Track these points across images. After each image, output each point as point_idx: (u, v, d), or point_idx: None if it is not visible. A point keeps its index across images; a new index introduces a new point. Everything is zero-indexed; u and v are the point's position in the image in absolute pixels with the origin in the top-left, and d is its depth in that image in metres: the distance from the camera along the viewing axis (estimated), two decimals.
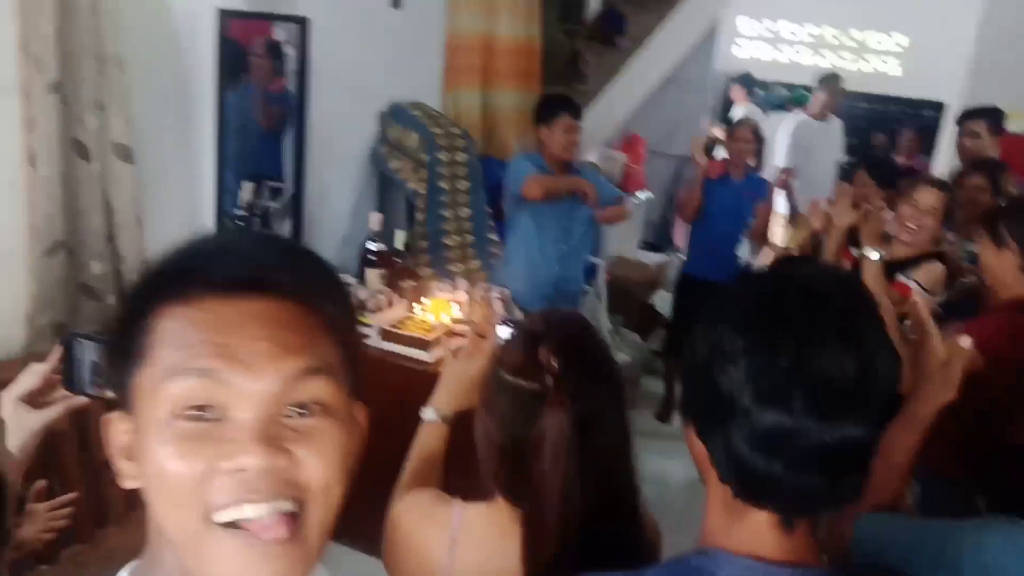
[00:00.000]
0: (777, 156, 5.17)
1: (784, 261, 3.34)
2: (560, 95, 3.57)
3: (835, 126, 5.27)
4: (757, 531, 0.83)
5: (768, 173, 4.89)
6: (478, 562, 1.14)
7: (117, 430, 0.64)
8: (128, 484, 0.63)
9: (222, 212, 2.65)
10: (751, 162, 4.01)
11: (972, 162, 3.28)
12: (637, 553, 1.13)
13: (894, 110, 7.53)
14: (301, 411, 0.61)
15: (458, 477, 1.42)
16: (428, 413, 1.43)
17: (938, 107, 7.50)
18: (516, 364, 1.10)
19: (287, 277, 0.62)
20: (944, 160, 6.69)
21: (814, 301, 0.80)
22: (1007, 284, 2.20)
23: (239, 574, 0.58)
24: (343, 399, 0.64)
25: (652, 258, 5.37)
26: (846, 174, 3.98)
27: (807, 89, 7.51)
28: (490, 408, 1.13)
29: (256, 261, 0.63)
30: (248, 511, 0.58)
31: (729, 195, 3.93)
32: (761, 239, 4.00)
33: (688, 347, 0.86)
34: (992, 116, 3.93)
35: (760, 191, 4.02)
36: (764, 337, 0.78)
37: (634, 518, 1.16)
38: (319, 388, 0.61)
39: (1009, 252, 2.15)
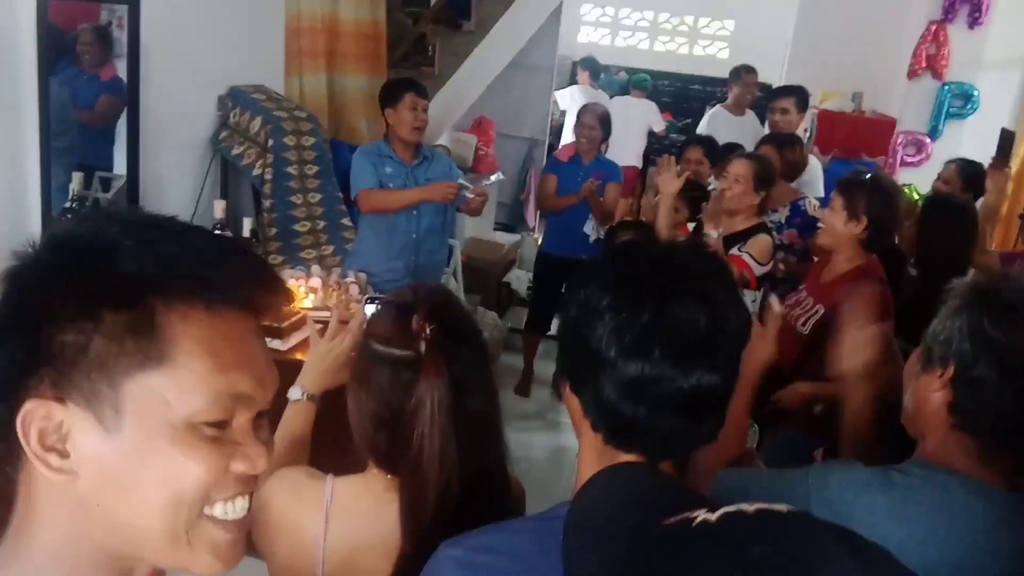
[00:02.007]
0: None
1: (622, 225, 3.55)
2: (404, 78, 3.59)
3: (750, 119, 5.43)
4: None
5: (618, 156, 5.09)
6: (354, 533, 1.16)
7: (48, 418, 0.61)
8: (54, 477, 0.61)
9: (48, 207, 2.48)
10: (599, 147, 4.19)
11: (765, 139, 3.66)
12: (506, 513, 1.18)
13: (723, 90, 8.01)
14: None
15: (322, 457, 1.43)
16: (295, 392, 1.44)
17: (765, 88, 8.04)
18: (388, 334, 1.13)
19: (269, 297, 0.67)
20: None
21: (672, 265, 0.90)
22: (848, 254, 2.43)
23: (223, 561, 0.66)
24: None
25: (506, 238, 5.48)
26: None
27: (647, 73, 7.88)
28: (363, 381, 1.15)
29: (252, 274, 0.66)
30: (240, 504, 0.66)
31: (579, 177, 4.10)
32: (605, 218, 4.18)
33: (561, 310, 0.94)
34: (799, 94, 4.33)
35: (610, 173, 4.20)
36: (627, 295, 0.87)
37: (504, 480, 1.22)
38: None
39: (858, 224, 2.38)
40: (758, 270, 2.86)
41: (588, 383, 0.90)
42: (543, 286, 4.48)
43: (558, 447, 4.06)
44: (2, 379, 0.61)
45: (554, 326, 4.57)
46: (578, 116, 4.36)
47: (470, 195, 3.27)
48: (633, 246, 1.07)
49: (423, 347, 1.09)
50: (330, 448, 1.49)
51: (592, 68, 7.33)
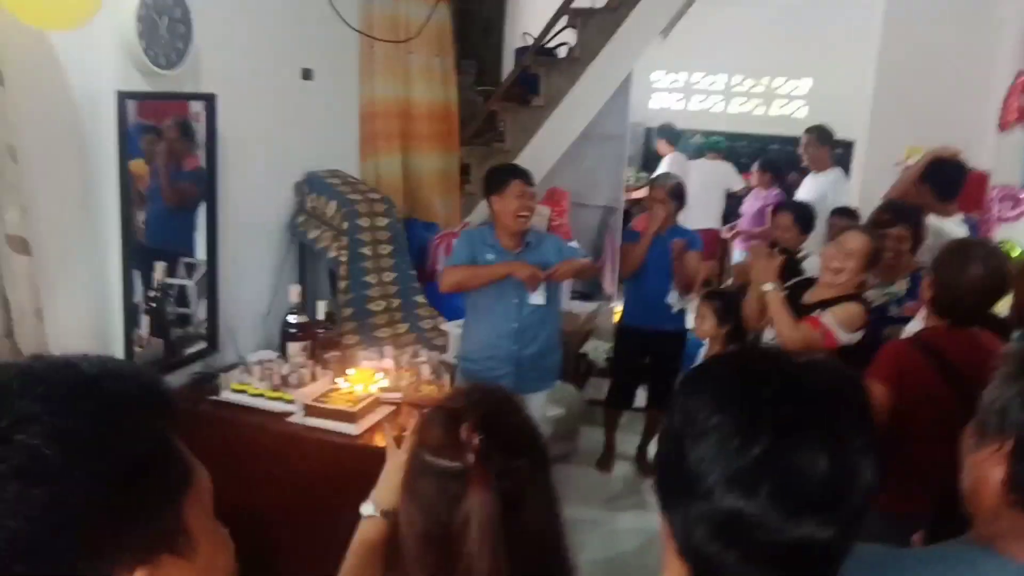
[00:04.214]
0: None
1: (710, 295, 3.46)
2: (510, 164, 3.59)
3: (835, 176, 5.47)
4: None
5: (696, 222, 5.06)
6: None
7: None
8: None
9: (130, 298, 2.56)
10: (675, 217, 4.13)
11: (895, 210, 3.42)
12: None
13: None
14: None
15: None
16: (367, 508, 1.37)
17: (848, 145, 7.83)
18: (437, 443, 1.07)
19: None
20: (857, 193, 6.96)
21: (803, 392, 0.77)
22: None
23: None
24: None
25: (583, 307, 5.40)
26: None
27: (721, 135, 7.80)
28: (412, 492, 1.09)
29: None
30: None
31: (655, 248, 4.03)
32: (687, 286, 4.09)
33: (667, 412, 0.83)
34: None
35: (690, 241, 4.16)
36: (741, 420, 0.75)
37: None
38: None
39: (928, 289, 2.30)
40: (842, 336, 2.68)
41: (678, 506, 0.79)
42: (623, 359, 4.38)
43: (643, 527, 3.89)
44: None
45: (637, 398, 4.47)
46: (649, 189, 4.30)
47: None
48: (761, 358, 0.88)
49: (471, 459, 1.02)
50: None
51: (670, 135, 7.29)
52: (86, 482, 0.54)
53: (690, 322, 4.46)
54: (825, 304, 2.76)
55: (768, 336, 2.89)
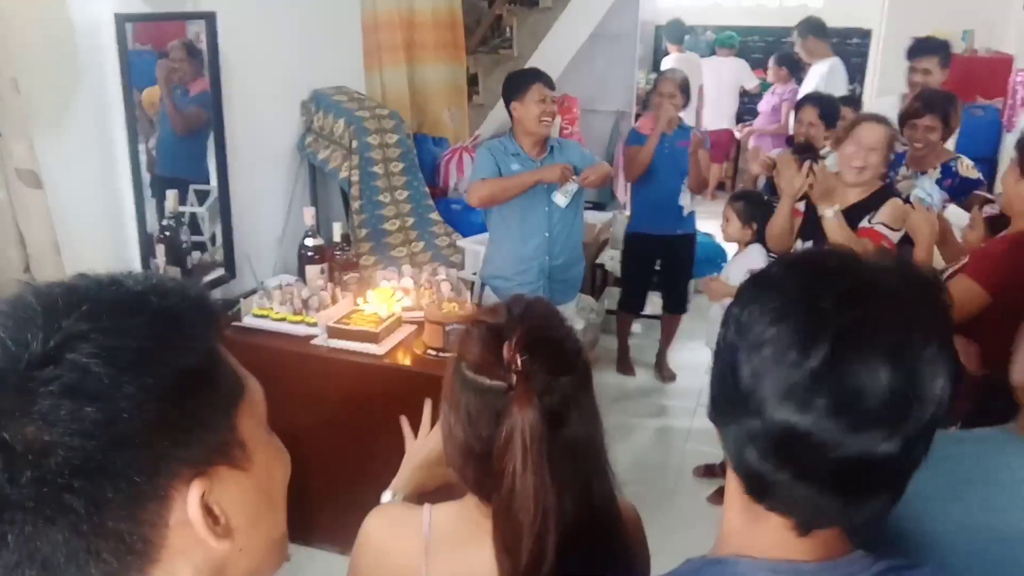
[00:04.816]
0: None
1: (738, 196, 3.37)
2: (530, 69, 3.45)
3: (830, 65, 5.32)
4: (776, 531, 0.76)
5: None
6: (455, 562, 1.11)
7: (228, 491, 0.62)
8: (220, 546, 0.61)
9: (144, 228, 2.53)
10: (678, 113, 4.00)
11: (924, 100, 3.29)
12: (618, 546, 1.11)
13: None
14: None
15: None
16: (386, 496, 1.34)
17: (866, 34, 7.56)
18: (479, 360, 1.04)
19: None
20: (875, 86, 6.76)
21: (868, 296, 0.70)
22: (1022, 213, 2.19)
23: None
24: None
25: (597, 217, 5.34)
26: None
27: (733, 30, 7.54)
28: (453, 405, 1.08)
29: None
30: None
31: (664, 148, 3.93)
32: (700, 186, 4.02)
33: (722, 323, 0.79)
34: (942, 50, 3.96)
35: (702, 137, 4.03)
36: (799, 330, 0.70)
37: (612, 512, 1.12)
38: None
39: None
40: (895, 237, 2.63)
41: (730, 422, 0.76)
42: (633, 266, 4.32)
43: (662, 431, 3.95)
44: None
45: (648, 306, 4.46)
46: (655, 84, 4.12)
47: (574, 184, 3.13)
48: (823, 262, 0.77)
49: (514, 378, 1.00)
50: None
51: (675, 32, 7.06)
52: (138, 398, 0.54)
53: (702, 225, 4.42)
54: (861, 207, 2.70)
55: None
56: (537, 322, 1.07)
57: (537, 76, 3.15)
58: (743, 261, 3.28)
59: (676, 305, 4.32)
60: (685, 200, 4.04)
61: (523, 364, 1.00)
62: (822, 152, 3.48)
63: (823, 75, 5.22)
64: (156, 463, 0.56)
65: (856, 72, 6.95)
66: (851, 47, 7.53)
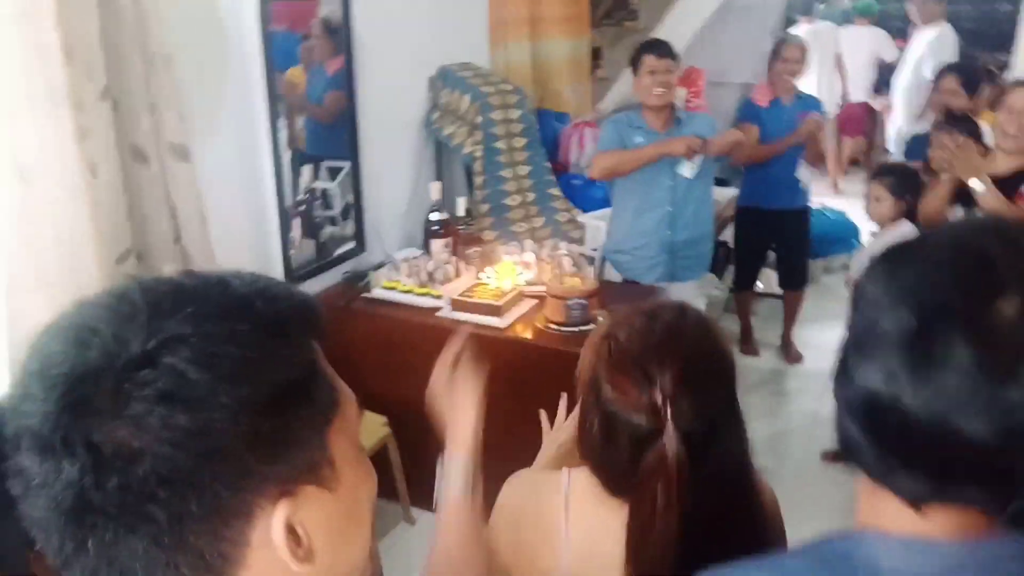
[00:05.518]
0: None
1: (884, 171, 3.16)
2: (648, 40, 3.35)
3: (941, 31, 4.99)
4: (898, 506, 0.71)
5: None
6: (591, 516, 1.11)
7: (292, 514, 0.57)
8: (301, 569, 0.58)
9: (283, 201, 2.65)
10: (796, 81, 3.81)
11: None
12: (759, 530, 1.09)
13: (967, 8, 7.05)
14: None
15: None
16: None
17: (1016, 1, 6.98)
18: (623, 397, 1.01)
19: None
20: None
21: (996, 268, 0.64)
22: None
23: None
24: None
25: (721, 193, 5.19)
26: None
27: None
28: (589, 411, 1.07)
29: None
30: None
31: (782, 120, 3.75)
32: (818, 160, 3.82)
33: (851, 302, 0.75)
34: None
35: (814, 109, 3.82)
36: (924, 328, 0.65)
37: (751, 497, 1.10)
38: None
39: None
40: None
41: (838, 382, 0.73)
42: (747, 241, 4.14)
43: (789, 411, 3.82)
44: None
45: (762, 283, 4.29)
46: (776, 51, 3.89)
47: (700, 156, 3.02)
48: (990, 234, 0.69)
49: (664, 424, 0.97)
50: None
51: (803, 3, 6.72)
52: (233, 408, 0.51)
53: (833, 202, 4.19)
54: (1020, 176, 2.51)
55: None
56: (689, 354, 1.02)
57: (649, 47, 3.08)
58: (894, 240, 3.05)
59: (795, 281, 4.15)
60: (803, 174, 3.85)
61: (674, 412, 0.97)
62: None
63: (931, 42, 4.87)
64: (244, 478, 0.53)
65: (1006, 40, 6.44)
66: (1000, 14, 6.98)
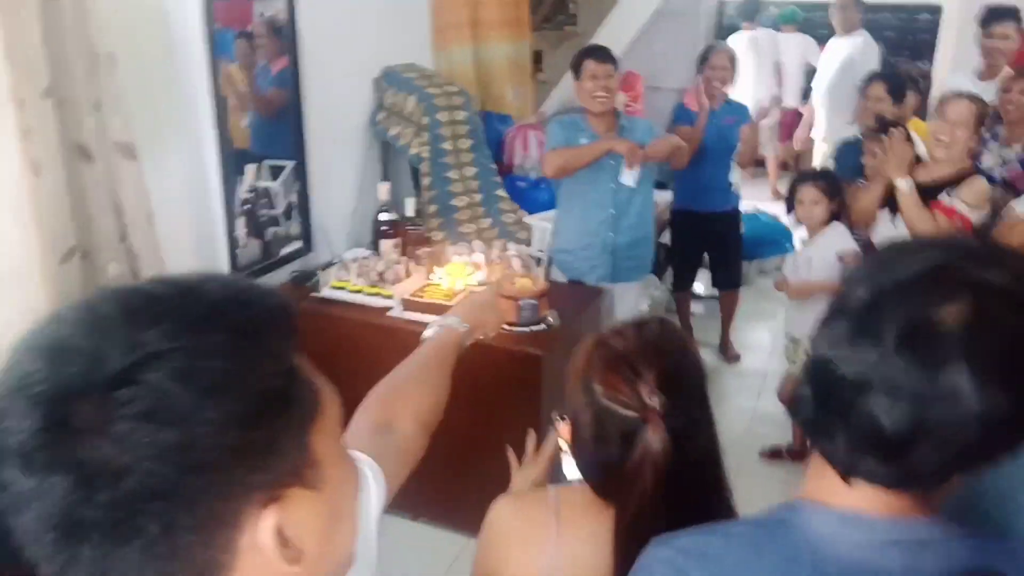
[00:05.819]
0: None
1: (805, 177, 3.25)
2: (589, 46, 3.40)
3: (864, 40, 5.16)
4: (839, 482, 0.79)
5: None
6: (580, 537, 1.17)
7: (299, 513, 0.59)
8: (291, 570, 0.58)
9: (230, 200, 2.61)
10: (727, 88, 3.92)
11: (1018, 67, 3.18)
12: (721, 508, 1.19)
13: (887, 17, 7.35)
14: None
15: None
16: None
17: (935, 10, 7.31)
18: (614, 391, 1.12)
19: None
20: (945, 65, 6.54)
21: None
22: None
23: None
24: None
25: (661, 197, 5.29)
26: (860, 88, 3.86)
27: (796, 6, 7.35)
28: (578, 411, 1.16)
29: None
30: None
31: (712, 125, 3.84)
32: (749, 164, 3.93)
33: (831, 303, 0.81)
34: (1016, 15, 3.82)
35: (741, 116, 3.93)
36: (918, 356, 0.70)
37: (721, 481, 1.21)
38: None
39: None
40: (974, 217, 2.56)
41: (811, 345, 0.81)
42: (681, 244, 4.22)
43: (727, 409, 3.92)
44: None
45: (697, 285, 4.41)
46: (704, 58, 3.95)
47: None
48: (972, 253, 0.76)
49: (651, 415, 1.08)
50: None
51: (750, 8, 6.89)
52: (218, 423, 0.52)
53: (766, 206, 4.31)
54: (945, 185, 2.64)
55: (882, 233, 2.76)
56: (671, 356, 1.15)
57: (590, 52, 3.13)
58: (828, 243, 3.05)
59: (729, 282, 4.26)
60: (735, 177, 3.96)
61: (661, 404, 1.08)
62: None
63: (859, 47, 5.06)
64: (231, 488, 0.54)
65: (925, 49, 6.75)
66: (920, 24, 7.31)
